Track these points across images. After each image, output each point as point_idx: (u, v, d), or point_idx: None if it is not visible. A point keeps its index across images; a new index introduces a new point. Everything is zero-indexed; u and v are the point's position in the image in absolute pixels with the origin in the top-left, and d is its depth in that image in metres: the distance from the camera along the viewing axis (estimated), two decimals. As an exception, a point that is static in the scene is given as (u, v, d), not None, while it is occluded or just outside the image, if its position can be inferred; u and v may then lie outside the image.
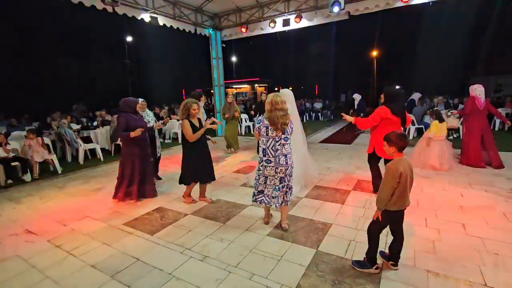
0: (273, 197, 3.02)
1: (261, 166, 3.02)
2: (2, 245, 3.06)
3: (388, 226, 2.34)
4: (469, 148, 5.34)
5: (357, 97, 9.93)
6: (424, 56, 25.77)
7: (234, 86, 25.49)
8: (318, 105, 16.59)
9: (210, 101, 17.13)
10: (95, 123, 8.90)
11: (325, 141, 8.83)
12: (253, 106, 11.85)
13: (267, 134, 2.93)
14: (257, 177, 3.11)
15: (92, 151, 7.37)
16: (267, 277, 2.34)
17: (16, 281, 2.45)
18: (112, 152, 7.62)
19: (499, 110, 9.14)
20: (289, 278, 2.31)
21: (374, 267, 2.33)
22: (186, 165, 3.80)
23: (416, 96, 9.18)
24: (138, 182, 4.09)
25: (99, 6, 6.48)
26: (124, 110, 4.01)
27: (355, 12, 7.62)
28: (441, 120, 5.32)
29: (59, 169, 6.02)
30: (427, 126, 8.35)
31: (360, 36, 28.88)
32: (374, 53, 28.26)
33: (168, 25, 8.45)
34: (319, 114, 15.92)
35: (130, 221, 3.54)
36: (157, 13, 7.84)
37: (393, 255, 2.36)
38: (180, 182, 3.92)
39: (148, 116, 4.76)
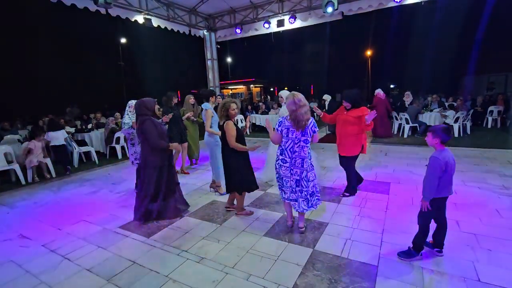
0: (292, 200, 2.96)
1: (277, 164, 2.95)
2: (-5, 251, 3.03)
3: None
4: (376, 125, 7.65)
5: (327, 98, 9.76)
6: (417, 55, 26.09)
7: (229, 87, 25.47)
8: (313, 105, 16.61)
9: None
10: (89, 126, 8.83)
11: (321, 140, 8.84)
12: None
13: (287, 136, 2.85)
14: (277, 176, 3.04)
15: (87, 154, 7.30)
16: (264, 277, 2.35)
17: (10, 286, 2.43)
18: (107, 155, 7.57)
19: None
20: (286, 278, 2.32)
21: (419, 254, 2.49)
22: (232, 174, 3.39)
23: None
24: (162, 198, 3.56)
25: (92, 8, 6.44)
26: (143, 114, 3.40)
27: (348, 12, 7.70)
28: None
29: (53, 173, 5.96)
30: (420, 124, 8.47)
31: (354, 36, 29.16)
32: (368, 53, 28.55)
33: (162, 27, 8.43)
34: (315, 113, 15.95)
35: (125, 224, 3.52)
36: (150, 15, 7.82)
37: (438, 242, 2.52)
38: (229, 191, 3.58)
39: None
